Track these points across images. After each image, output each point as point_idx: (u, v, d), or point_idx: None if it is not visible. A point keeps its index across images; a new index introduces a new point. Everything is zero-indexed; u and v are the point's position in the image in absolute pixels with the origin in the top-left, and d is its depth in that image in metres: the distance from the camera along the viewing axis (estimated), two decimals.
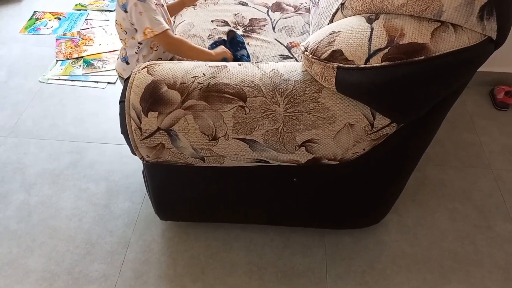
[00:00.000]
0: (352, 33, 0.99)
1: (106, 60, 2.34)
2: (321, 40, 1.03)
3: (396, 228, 1.60)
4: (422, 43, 0.92)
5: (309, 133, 1.09)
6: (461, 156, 1.85)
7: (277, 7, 1.81)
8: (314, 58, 1.02)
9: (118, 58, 1.50)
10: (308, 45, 1.07)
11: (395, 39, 0.94)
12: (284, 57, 1.54)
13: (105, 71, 2.28)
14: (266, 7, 1.80)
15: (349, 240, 1.57)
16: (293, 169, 1.25)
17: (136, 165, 1.80)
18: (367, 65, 0.94)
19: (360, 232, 1.58)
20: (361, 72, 0.95)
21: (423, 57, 0.91)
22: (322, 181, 1.32)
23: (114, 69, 1.75)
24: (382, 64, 0.93)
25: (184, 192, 1.41)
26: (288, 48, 1.59)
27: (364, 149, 1.15)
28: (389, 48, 0.93)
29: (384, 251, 1.54)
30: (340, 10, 1.11)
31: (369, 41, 0.96)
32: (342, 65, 0.97)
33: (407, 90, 0.97)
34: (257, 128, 1.08)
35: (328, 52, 0.99)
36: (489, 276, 1.46)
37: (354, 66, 0.95)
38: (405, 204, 1.67)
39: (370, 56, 0.94)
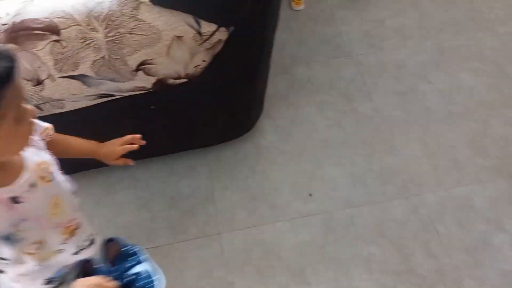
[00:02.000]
0: None
1: None
2: None
3: (271, 130, 1.68)
4: None
5: (139, 54, 1.04)
6: (324, 50, 1.93)
7: None
8: None
9: None
10: None
11: None
12: None
13: None
14: None
15: (230, 152, 1.61)
16: (145, 97, 1.21)
17: None
18: None
19: (239, 142, 1.62)
20: None
21: None
22: (181, 101, 1.30)
23: None
24: None
25: None
26: None
27: (204, 60, 1.13)
28: None
29: (262, 154, 1.62)
30: None
31: None
32: None
33: None
34: (81, 61, 1.01)
35: None
36: (357, 152, 1.61)
37: None
38: (277, 107, 1.74)
39: None
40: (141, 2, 0.99)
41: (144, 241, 1.42)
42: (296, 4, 2.05)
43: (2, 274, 0.76)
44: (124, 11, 0.99)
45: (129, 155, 1.49)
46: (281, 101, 1.76)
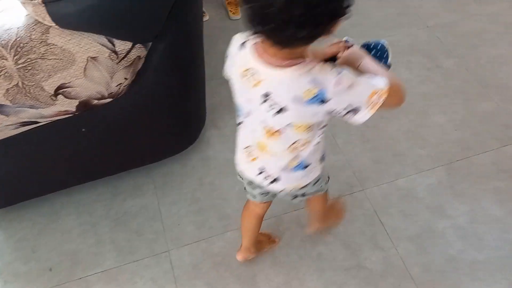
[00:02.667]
0: None
1: None
2: None
3: (217, 140, 1.68)
4: None
5: (55, 79, 1.02)
6: None
7: None
8: None
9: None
10: None
11: None
12: None
13: None
14: None
15: (177, 166, 1.60)
16: (73, 120, 1.19)
17: None
18: None
19: (185, 155, 1.62)
20: (67, 0, 0.90)
21: None
22: (112, 121, 1.29)
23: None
24: None
25: None
26: None
27: (126, 78, 1.13)
28: None
29: (210, 165, 1.61)
30: None
31: None
32: None
33: (118, 8, 0.94)
34: None
35: None
36: None
37: None
38: (222, 117, 1.74)
39: None
40: (50, 26, 0.97)
41: (91, 266, 1.39)
42: (233, 13, 2.07)
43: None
44: (32, 36, 0.97)
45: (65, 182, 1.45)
46: (225, 110, 1.76)
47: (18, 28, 0.98)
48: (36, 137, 1.20)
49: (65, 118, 1.17)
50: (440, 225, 1.43)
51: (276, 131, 0.85)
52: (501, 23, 2.01)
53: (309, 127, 0.84)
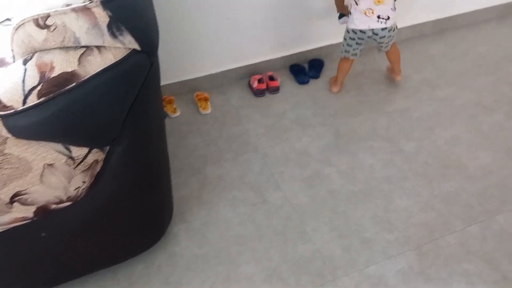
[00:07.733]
0: (8, 78, 0.97)
1: None
2: None
3: (185, 235, 1.66)
4: (71, 71, 0.96)
5: (10, 187, 1.03)
6: (233, 147, 2.01)
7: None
8: None
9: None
10: None
11: (46, 74, 0.95)
12: None
13: None
14: None
15: (142, 266, 1.56)
16: (31, 226, 1.18)
17: None
18: (25, 107, 0.94)
19: (151, 253, 1.58)
20: (23, 114, 0.94)
21: (74, 84, 0.95)
22: (73, 224, 1.27)
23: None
24: (39, 101, 0.94)
25: None
26: None
27: (84, 182, 1.14)
28: (41, 84, 0.94)
29: (177, 263, 1.57)
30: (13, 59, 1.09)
31: (22, 82, 0.95)
32: (2, 112, 0.94)
33: (75, 118, 0.99)
34: None
35: None
36: (271, 244, 1.61)
37: (13, 110, 0.94)
38: (191, 209, 1.74)
39: (26, 96, 0.94)
40: (7, 137, 1.01)
41: None
42: (203, 109, 2.18)
43: None
44: None
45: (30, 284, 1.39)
46: (194, 202, 1.77)
47: None
48: None
49: (23, 224, 1.15)
50: None
51: None
52: (451, 106, 2.16)
53: None
